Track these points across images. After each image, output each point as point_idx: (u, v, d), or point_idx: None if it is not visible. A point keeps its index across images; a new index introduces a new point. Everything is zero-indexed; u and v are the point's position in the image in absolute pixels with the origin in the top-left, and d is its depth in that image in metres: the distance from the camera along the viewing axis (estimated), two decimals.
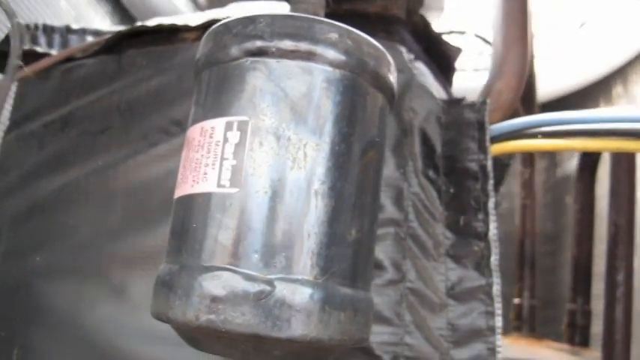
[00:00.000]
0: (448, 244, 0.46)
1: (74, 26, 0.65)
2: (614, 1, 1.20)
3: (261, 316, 0.30)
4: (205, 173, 0.33)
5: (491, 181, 0.44)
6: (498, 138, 0.43)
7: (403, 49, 0.50)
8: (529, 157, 1.00)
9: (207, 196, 0.33)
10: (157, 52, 0.57)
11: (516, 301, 1.04)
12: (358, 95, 0.35)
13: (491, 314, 0.44)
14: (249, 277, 0.31)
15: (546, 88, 1.19)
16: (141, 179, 0.52)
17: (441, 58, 0.56)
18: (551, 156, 1.48)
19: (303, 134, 0.33)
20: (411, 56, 0.51)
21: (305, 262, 0.31)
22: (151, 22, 0.58)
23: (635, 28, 1.12)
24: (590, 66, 1.23)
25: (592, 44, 1.23)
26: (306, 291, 0.31)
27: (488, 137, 0.44)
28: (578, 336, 0.91)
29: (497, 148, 0.43)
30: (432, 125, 0.47)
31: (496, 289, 0.44)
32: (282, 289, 0.31)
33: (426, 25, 0.54)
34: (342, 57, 0.34)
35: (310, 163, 0.33)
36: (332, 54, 0.34)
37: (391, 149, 0.46)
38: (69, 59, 0.60)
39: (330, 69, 0.34)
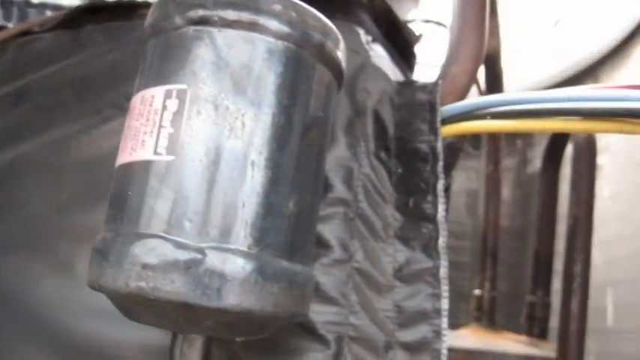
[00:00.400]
0: (397, 226, 0.46)
1: (34, 0, 0.64)
2: (586, 1, 1.21)
3: (190, 284, 0.30)
4: (143, 141, 0.33)
5: (440, 163, 0.44)
6: (449, 120, 0.43)
7: (361, 31, 0.50)
8: (494, 152, 1.00)
9: (143, 164, 0.33)
10: (115, 27, 0.56)
11: (477, 292, 1.05)
12: (301, 68, 0.35)
13: (437, 297, 0.44)
14: (180, 245, 0.30)
15: (522, 82, 1.20)
16: (92, 154, 0.51)
17: (401, 43, 0.56)
18: (522, 153, 1.49)
19: (241, 104, 0.33)
20: (369, 38, 0.51)
21: (239, 232, 0.31)
22: None
23: (605, 28, 1.13)
24: (563, 63, 1.24)
25: (566, 42, 1.24)
26: (239, 261, 0.31)
27: (439, 119, 0.44)
28: (536, 328, 0.92)
29: (448, 130, 0.43)
30: (386, 107, 0.47)
31: (443, 271, 0.44)
32: (214, 258, 0.30)
33: (387, 9, 0.54)
34: (285, 28, 0.34)
35: (248, 134, 0.32)
36: (275, 25, 0.34)
37: (343, 129, 0.46)
38: (26, 33, 0.59)
39: (272, 40, 0.34)
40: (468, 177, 1.50)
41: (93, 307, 0.46)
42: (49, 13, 0.63)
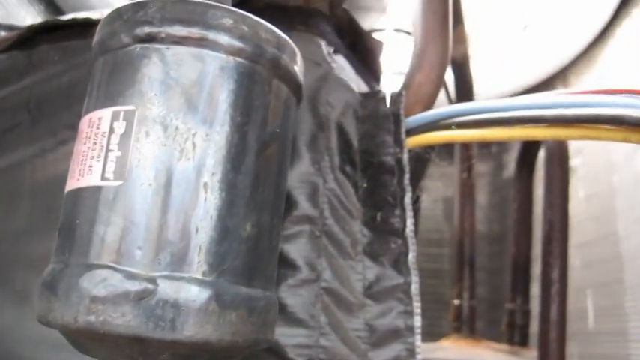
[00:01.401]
0: (365, 242, 0.44)
1: None
2: (554, 6, 1.21)
3: (142, 316, 0.28)
4: (91, 166, 0.31)
5: (407, 176, 0.43)
6: (414, 130, 0.42)
7: (322, 42, 0.49)
8: (467, 159, 0.99)
9: (91, 190, 0.31)
10: (71, 47, 0.54)
11: (456, 302, 1.04)
12: (255, 84, 0.34)
13: (409, 313, 0.43)
14: (130, 275, 0.29)
15: (492, 88, 1.20)
16: (48, 178, 0.49)
17: (365, 53, 0.55)
18: (497, 158, 1.49)
19: (192, 124, 0.31)
20: (330, 49, 0.49)
21: (192, 259, 0.30)
22: (66, 17, 0.56)
23: (574, 32, 1.13)
24: (533, 67, 1.24)
25: (535, 46, 1.24)
26: (193, 289, 0.29)
27: (403, 130, 0.43)
28: (517, 335, 0.91)
29: (413, 141, 0.42)
30: (349, 119, 0.46)
31: (414, 287, 0.43)
32: (166, 288, 0.29)
33: (350, 19, 0.53)
34: (236, 43, 0.33)
35: (199, 154, 0.31)
36: (225, 40, 0.33)
37: (306, 144, 0.44)
38: None
39: (223, 56, 0.33)
40: (444, 184, 1.50)
41: (51, 338, 0.44)
42: (2, 33, 0.61)
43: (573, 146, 1.06)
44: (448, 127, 0.40)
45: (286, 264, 0.42)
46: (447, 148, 1.24)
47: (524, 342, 0.90)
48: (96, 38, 0.36)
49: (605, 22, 1.07)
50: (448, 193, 1.38)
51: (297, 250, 0.42)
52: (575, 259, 1.12)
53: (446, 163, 1.33)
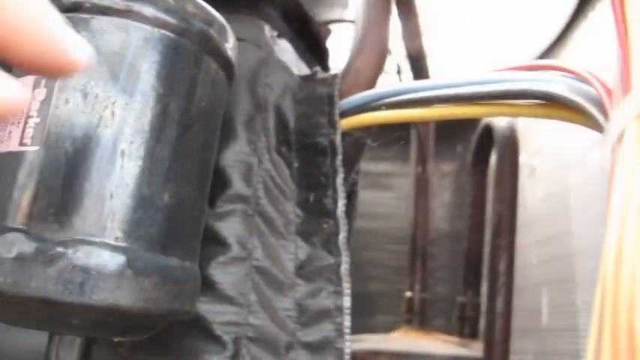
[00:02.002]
0: (298, 222, 0.44)
1: None
2: (511, 12, 1.23)
3: (51, 279, 0.28)
4: (10, 132, 0.31)
5: (339, 157, 0.43)
6: (348, 112, 0.43)
7: (266, 26, 0.49)
8: (421, 155, 1.00)
9: (10, 156, 0.31)
10: None
11: (408, 294, 1.04)
12: (180, 57, 0.34)
13: (339, 294, 0.43)
14: (41, 239, 0.29)
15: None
16: None
17: (311, 38, 0.55)
18: (462, 157, 1.50)
19: (112, 92, 0.31)
20: (274, 33, 0.50)
21: (105, 224, 0.30)
22: None
23: (525, 44, 1.15)
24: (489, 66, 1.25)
25: (489, 56, 1.25)
26: (104, 254, 0.29)
27: (337, 112, 0.43)
28: (467, 328, 0.92)
29: (346, 123, 0.42)
30: (287, 101, 0.46)
31: (344, 268, 0.43)
32: (77, 252, 0.29)
33: (297, 4, 0.53)
34: (161, 16, 0.33)
35: (118, 122, 0.31)
36: (150, 12, 0.33)
37: (243, 124, 0.45)
38: None
39: (148, 27, 0.33)
40: (409, 182, 1.50)
41: None
42: None
43: (533, 146, 1.08)
44: (378, 108, 0.40)
45: (217, 242, 0.42)
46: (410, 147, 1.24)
47: (474, 334, 0.91)
48: None
49: (566, 22, 1.08)
50: (411, 192, 1.39)
51: (228, 228, 0.42)
52: (533, 256, 1.13)
53: (412, 162, 1.33)
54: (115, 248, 0.30)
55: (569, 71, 0.29)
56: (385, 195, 1.56)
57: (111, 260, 0.29)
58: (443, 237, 1.44)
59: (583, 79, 0.27)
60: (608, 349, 0.17)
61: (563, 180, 1.09)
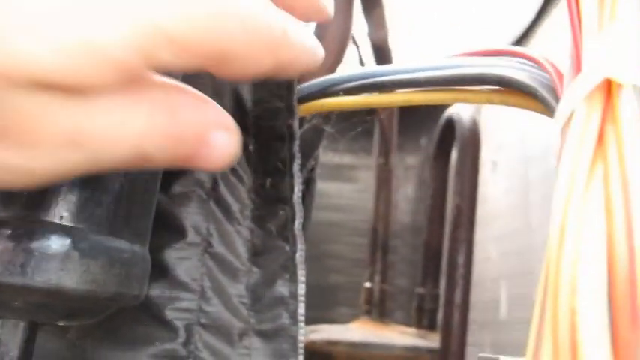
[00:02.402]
0: (253, 208, 0.44)
1: None
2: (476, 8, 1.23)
3: None
4: None
5: (296, 142, 0.43)
6: (306, 97, 0.42)
7: None
8: (383, 146, 1.00)
9: None
10: None
11: (367, 285, 1.04)
12: None
13: (294, 281, 0.43)
14: None
15: None
16: None
17: None
18: (426, 150, 1.51)
19: None
20: None
21: (50, 203, 0.29)
22: None
23: (499, 29, 1.16)
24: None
25: (460, 42, 1.26)
26: (48, 234, 0.28)
27: (294, 97, 0.43)
28: (425, 319, 0.92)
29: (304, 108, 0.42)
30: (245, 85, 0.45)
31: (299, 255, 0.43)
32: (18, 230, 0.28)
33: None
34: None
35: None
36: None
37: None
38: None
39: None
40: (371, 175, 1.51)
41: None
42: None
43: (495, 141, 1.08)
44: (336, 93, 0.40)
45: (171, 226, 0.41)
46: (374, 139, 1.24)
47: (432, 326, 0.92)
48: None
49: (531, 19, 1.09)
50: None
51: (183, 212, 0.42)
52: (492, 250, 1.14)
53: (375, 153, 1.33)
54: (59, 228, 0.29)
55: (524, 56, 0.29)
56: (348, 187, 1.56)
57: (55, 240, 0.28)
58: (405, 230, 1.45)
59: (538, 65, 0.27)
60: (549, 334, 0.17)
61: (524, 175, 1.10)
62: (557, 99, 0.24)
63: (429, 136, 1.51)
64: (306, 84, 0.43)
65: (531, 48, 1.13)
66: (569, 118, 0.19)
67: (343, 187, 1.51)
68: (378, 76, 0.36)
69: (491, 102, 0.30)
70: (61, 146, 0.22)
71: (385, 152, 1.00)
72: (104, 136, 0.22)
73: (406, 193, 1.50)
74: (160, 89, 0.24)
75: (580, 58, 0.20)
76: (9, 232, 0.28)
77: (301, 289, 0.43)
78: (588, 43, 0.20)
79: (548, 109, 0.25)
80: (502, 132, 1.11)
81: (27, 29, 0.19)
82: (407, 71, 0.34)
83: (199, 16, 0.21)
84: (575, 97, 0.19)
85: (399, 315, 1.24)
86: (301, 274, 0.43)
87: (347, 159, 1.52)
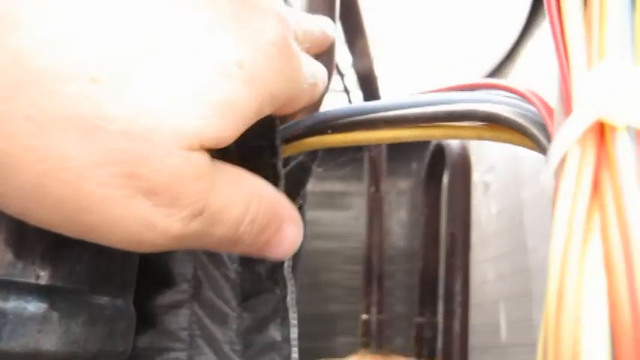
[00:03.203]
0: None
1: None
2: (464, 25, 1.24)
3: None
4: None
5: (282, 182, 0.41)
6: (292, 137, 0.41)
7: None
8: (374, 174, 0.99)
9: None
10: None
11: (364, 317, 1.03)
12: None
13: (286, 325, 0.41)
14: None
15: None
16: None
17: None
18: (418, 175, 1.50)
19: None
20: None
21: (26, 262, 0.27)
22: None
23: (485, 49, 1.16)
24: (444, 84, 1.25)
25: (445, 66, 1.26)
26: (24, 295, 0.27)
27: (277, 136, 0.42)
28: (425, 349, 0.91)
29: (290, 148, 0.41)
30: None
31: (291, 297, 0.41)
32: None
33: None
34: None
35: None
36: None
37: None
38: None
39: None
40: (364, 202, 1.50)
41: None
42: None
43: (486, 162, 1.08)
44: (324, 131, 0.39)
45: (158, 275, 0.40)
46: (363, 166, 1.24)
47: (432, 354, 0.90)
48: None
49: (515, 40, 1.09)
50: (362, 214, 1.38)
51: (170, 260, 0.41)
52: (489, 272, 1.13)
53: (365, 181, 1.33)
54: (35, 288, 0.27)
55: (510, 90, 0.28)
56: (341, 214, 1.55)
57: (32, 302, 0.27)
58: (400, 255, 1.44)
59: (524, 99, 0.26)
60: None
61: (517, 196, 1.10)
62: (548, 136, 0.24)
63: (420, 161, 1.50)
64: (290, 123, 0.42)
65: (516, 70, 1.12)
66: (563, 161, 0.18)
67: (336, 215, 1.50)
68: (367, 113, 0.35)
69: (482, 138, 0.29)
70: (193, 211, 0.25)
71: (376, 180, 0.99)
72: (223, 209, 0.26)
73: (399, 217, 1.49)
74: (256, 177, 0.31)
75: (570, 98, 0.19)
76: None
77: (294, 332, 0.41)
78: (577, 81, 0.19)
79: (539, 147, 0.25)
80: (493, 152, 1.10)
81: (191, 96, 0.23)
82: (395, 107, 0.33)
83: (290, 79, 0.29)
84: (567, 140, 0.18)
85: (397, 342, 1.22)
86: (293, 318, 0.41)
87: (338, 186, 1.51)
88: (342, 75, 0.87)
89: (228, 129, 0.25)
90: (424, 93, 0.33)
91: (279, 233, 0.30)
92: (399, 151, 1.31)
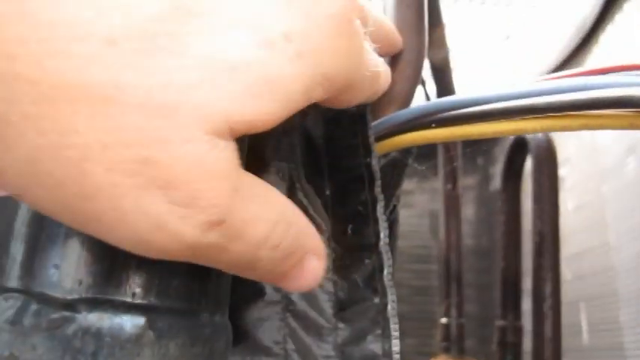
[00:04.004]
0: (335, 258, 0.39)
1: None
2: (535, 18, 1.20)
3: (57, 349, 0.23)
4: None
5: (378, 182, 0.38)
6: (388, 133, 0.38)
7: None
8: (451, 171, 0.95)
9: (3, 200, 0.26)
10: None
11: (443, 320, 0.98)
12: None
13: (387, 337, 0.38)
14: (43, 300, 0.24)
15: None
16: None
17: None
18: (484, 170, 1.45)
19: None
20: None
21: (120, 279, 0.25)
22: None
23: (553, 43, 1.11)
24: (513, 77, 1.22)
25: (516, 56, 1.21)
26: (120, 315, 0.24)
27: (370, 132, 0.38)
28: (509, 354, 0.86)
29: (387, 144, 0.37)
30: (316, 122, 0.41)
31: (391, 307, 0.38)
32: (87, 314, 0.24)
33: None
34: None
35: None
36: None
37: (269, 150, 0.40)
38: None
39: None
40: (430, 198, 1.46)
41: None
42: None
43: (560, 155, 1.02)
44: (427, 125, 0.35)
45: (247, 286, 0.37)
46: (432, 161, 1.20)
47: None
48: None
49: (588, 29, 1.04)
50: (434, 207, 1.34)
51: None
52: (567, 271, 1.08)
53: (431, 176, 1.29)
54: (132, 307, 0.25)
55: None
56: (404, 213, 1.51)
57: (128, 322, 0.24)
58: (469, 254, 1.39)
59: None
60: None
61: (596, 190, 1.04)
62: None
63: (487, 156, 1.45)
64: (386, 118, 0.39)
65: (593, 58, 1.07)
66: None
67: (399, 213, 1.47)
68: (479, 104, 0.31)
69: (634, 127, 0.25)
70: (212, 217, 0.21)
71: (453, 177, 0.95)
72: (246, 225, 0.23)
73: (466, 215, 1.44)
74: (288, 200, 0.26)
75: None
76: (76, 315, 0.24)
77: (395, 345, 0.38)
78: None
79: None
80: (566, 145, 1.05)
81: (225, 69, 0.20)
82: (516, 96, 0.30)
83: (348, 61, 0.25)
84: None
85: (468, 344, 1.18)
86: (395, 329, 0.38)
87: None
88: None
89: (264, 112, 0.21)
90: (544, 80, 0.30)
91: (300, 265, 0.26)
92: (464, 146, 1.27)
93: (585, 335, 1.04)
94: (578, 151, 1.08)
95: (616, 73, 0.27)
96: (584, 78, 0.26)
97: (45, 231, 0.25)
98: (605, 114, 0.26)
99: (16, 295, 0.24)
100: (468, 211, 1.47)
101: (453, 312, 0.96)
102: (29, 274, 0.24)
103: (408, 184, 1.48)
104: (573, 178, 1.10)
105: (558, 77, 0.28)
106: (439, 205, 1.11)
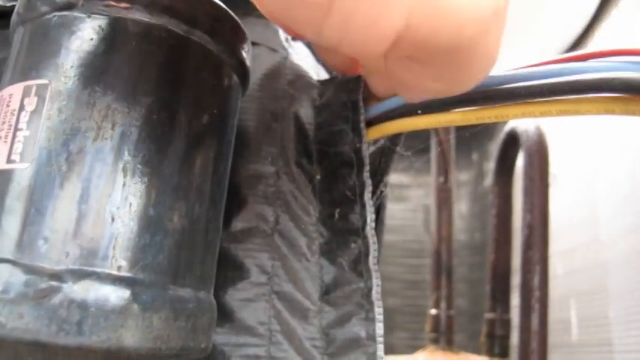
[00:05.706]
0: (322, 242, 0.40)
1: None
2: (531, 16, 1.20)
3: (43, 318, 0.24)
4: None
5: (367, 168, 0.39)
6: (377, 119, 0.38)
7: (280, 29, 0.45)
8: (443, 164, 0.96)
9: None
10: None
11: (433, 312, 0.99)
12: (187, 58, 0.30)
13: (371, 320, 0.39)
14: (32, 270, 0.24)
15: None
16: None
17: None
18: (478, 166, 1.46)
19: (111, 99, 0.27)
20: (288, 36, 0.46)
21: (106, 252, 0.25)
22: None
23: (557, 36, 1.11)
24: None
25: (514, 51, 1.21)
26: (105, 287, 0.25)
27: (362, 118, 0.39)
28: (497, 347, 0.87)
29: (376, 130, 0.38)
30: (306, 108, 0.42)
31: (376, 291, 0.39)
32: (73, 285, 0.24)
33: None
34: (165, 12, 0.29)
35: (119, 134, 0.27)
36: (153, 7, 0.29)
37: (259, 136, 0.40)
38: None
39: (150, 25, 0.29)
40: (424, 193, 1.46)
41: None
42: None
43: (553, 151, 1.03)
44: (414, 112, 0.36)
45: (234, 266, 0.38)
46: (426, 156, 1.20)
47: (504, 353, 0.86)
48: (16, 8, 0.32)
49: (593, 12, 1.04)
50: (428, 202, 1.35)
51: (245, 249, 0.38)
52: (558, 267, 1.08)
53: (426, 171, 1.29)
54: (117, 279, 0.25)
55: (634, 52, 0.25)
56: (399, 207, 1.51)
57: (113, 294, 0.25)
58: (461, 248, 1.40)
59: None
60: None
61: (589, 187, 1.05)
62: None
63: (481, 151, 1.46)
64: (377, 104, 0.39)
65: (595, 44, 1.07)
66: None
67: (393, 207, 1.47)
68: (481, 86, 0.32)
69: (611, 112, 0.25)
70: None
71: (445, 171, 0.95)
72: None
73: (460, 210, 1.45)
74: None
75: None
76: (63, 286, 0.24)
77: (379, 328, 0.38)
78: None
79: None
80: (558, 141, 1.05)
81: None
82: (496, 83, 0.30)
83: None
84: None
85: (459, 337, 1.18)
86: (379, 313, 0.39)
87: (395, 178, 1.48)
88: None
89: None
90: (526, 67, 0.30)
91: None
92: (459, 141, 1.27)
93: (575, 331, 1.04)
94: (569, 148, 1.08)
95: (593, 59, 0.27)
96: (561, 64, 0.27)
97: (35, 205, 0.25)
98: (582, 99, 0.26)
99: (4, 265, 0.25)
100: (462, 206, 1.48)
101: (443, 304, 0.97)
102: (19, 246, 0.25)
103: (403, 179, 1.49)
104: (565, 175, 1.11)
105: (537, 64, 0.28)
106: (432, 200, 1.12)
